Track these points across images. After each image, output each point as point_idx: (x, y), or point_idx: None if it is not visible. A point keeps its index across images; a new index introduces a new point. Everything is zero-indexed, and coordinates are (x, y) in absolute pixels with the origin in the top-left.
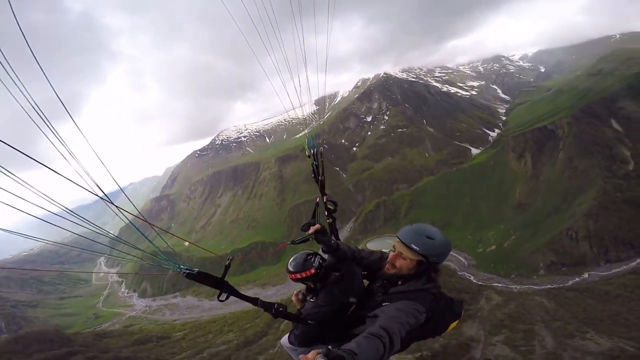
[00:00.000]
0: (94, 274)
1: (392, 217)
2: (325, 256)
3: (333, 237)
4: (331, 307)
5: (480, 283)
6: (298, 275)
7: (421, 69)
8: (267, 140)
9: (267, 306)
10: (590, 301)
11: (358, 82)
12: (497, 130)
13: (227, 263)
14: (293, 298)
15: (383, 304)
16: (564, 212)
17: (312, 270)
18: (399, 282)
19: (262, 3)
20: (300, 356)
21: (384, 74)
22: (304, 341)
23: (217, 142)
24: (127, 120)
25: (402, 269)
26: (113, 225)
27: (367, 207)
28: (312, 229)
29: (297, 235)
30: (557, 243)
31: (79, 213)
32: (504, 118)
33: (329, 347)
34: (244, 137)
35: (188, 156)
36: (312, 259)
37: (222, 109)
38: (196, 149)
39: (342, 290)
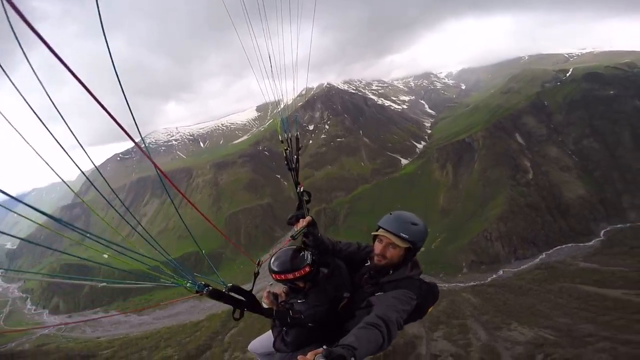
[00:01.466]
0: None
1: (332, 223)
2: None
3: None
4: (327, 306)
5: None
6: (290, 276)
7: (360, 82)
8: (202, 145)
9: (283, 316)
10: (508, 295)
11: (303, 90)
12: (423, 143)
13: (256, 271)
14: (264, 299)
15: (376, 294)
16: (480, 215)
17: (307, 269)
18: (390, 272)
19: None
20: (299, 357)
21: (327, 84)
22: (297, 347)
23: (142, 145)
24: (34, 117)
25: (393, 258)
26: (6, 238)
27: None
28: (305, 221)
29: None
30: (476, 244)
31: None
32: (429, 131)
33: (325, 347)
34: (175, 140)
35: (108, 159)
36: (304, 255)
37: (151, 109)
38: (118, 151)
39: (335, 286)
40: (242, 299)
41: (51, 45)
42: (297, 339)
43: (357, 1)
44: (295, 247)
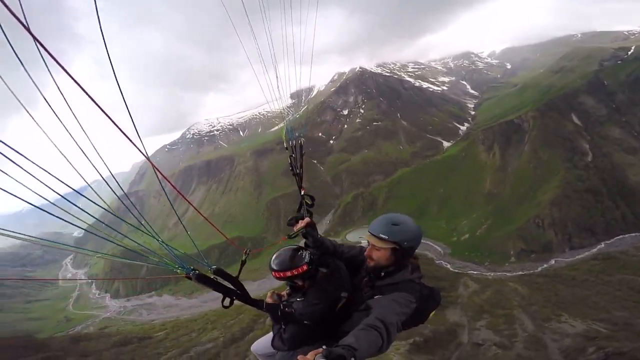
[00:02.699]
0: (60, 276)
1: (370, 208)
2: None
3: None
4: (324, 305)
5: (456, 271)
6: (288, 273)
7: (395, 64)
8: (241, 133)
9: (273, 308)
10: (560, 286)
11: (334, 75)
12: (466, 124)
13: (243, 258)
14: (268, 299)
15: (375, 297)
16: (530, 200)
17: (305, 267)
18: (382, 274)
19: None
20: (299, 357)
21: (360, 68)
22: (294, 345)
23: (188, 136)
24: (91, 112)
25: (380, 260)
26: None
27: (346, 199)
28: (303, 222)
29: (277, 229)
30: (526, 231)
31: (39, 212)
32: (472, 112)
33: (324, 347)
34: (217, 130)
35: (157, 150)
36: (303, 254)
37: (193, 102)
38: (166, 143)
39: (334, 286)
40: (229, 285)
41: (95, 40)
42: (294, 337)
43: None
44: (295, 246)
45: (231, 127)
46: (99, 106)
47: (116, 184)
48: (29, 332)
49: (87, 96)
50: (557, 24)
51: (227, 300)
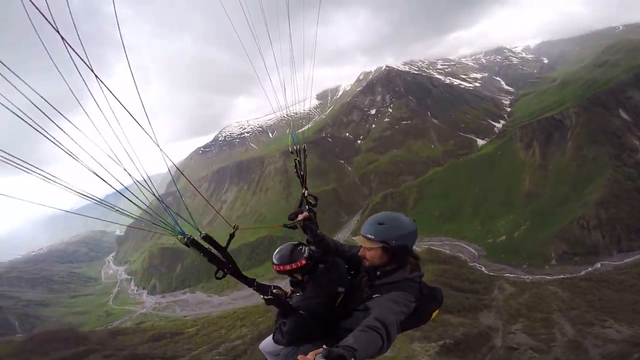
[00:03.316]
0: (103, 272)
1: (400, 208)
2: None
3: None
4: (321, 299)
5: (491, 274)
6: (287, 267)
7: (423, 62)
8: (270, 135)
9: (263, 288)
10: (606, 291)
11: (360, 75)
12: (502, 122)
13: (231, 232)
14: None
15: (373, 296)
16: (574, 201)
17: (303, 261)
18: (378, 273)
19: None
20: (299, 356)
21: (386, 66)
22: (292, 338)
23: (220, 139)
24: (130, 116)
25: (373, 259)
26: (117, 226)
27: (374, 199)
28: (301, 216)
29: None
30: (568, 232)
31: (85, 212)
32: (508, 109)
33: (325, 346)
34: (247, 132)
35: (191, 153)
36: (302, 249)
37: (224, 105)
38: (199, 145)
39: (330, 281)
40: (220, 259)
41: (132, 45)
42: (292, 329)
43: None
44: (295, 242)
45: (261, 129)
46: (134, 118)
47: (151, 185)
48: (72, 326)
49: (123, 107)
50: (596, 16)
51: (221, 273)
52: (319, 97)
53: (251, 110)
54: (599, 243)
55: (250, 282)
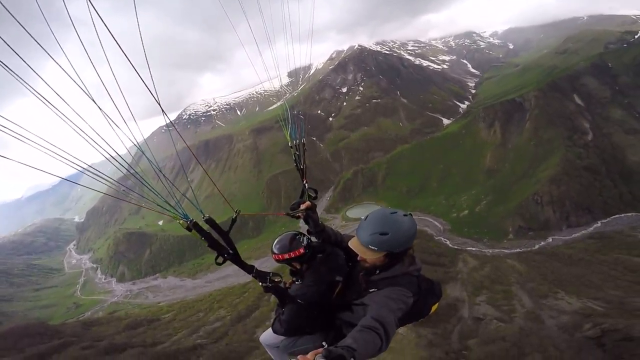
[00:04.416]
0: (65, 262)
1: (370, 184)
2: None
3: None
4: (319, 287)
5: (455, 247)
6: (286, 256)
7: (394, 42)
8: (239, 113)
9: (262, 275)
10: (556, 264)
11: (332, 53)
12: (467, 103)
13: (233, 217)
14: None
15: (370, 291)
16: (530, 177)
17: (301, 250)
18: (377, 271)
19: None
20: (299, 357)
21: (359, 46)
22: (291, 327)
23: (184, 117)
24: (84, 95)
25: (375, 262)
26: (77, 210)
27: (345, 175)
28: (304, 205)
29: (277, 206)
30: (524, 208)
31: (39, 199)
32: (473, 91)
33: (324, 344)
34: (213, 110)
35: (153, 132)
36: (301, 238)
37: (188, 82)
38: (162, 124)
39: (328, 269)
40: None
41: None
42: (291, 318)
43: None
44: (295, 232)
45: (228, 106)
46: (92, 99)
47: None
48: (41, 320)
49: (80, 88)
50: (563, 6)
51: (220, 259)
52: (290, 74)
53: (218, 88)
54: (551, 218)
55: (249, 269)
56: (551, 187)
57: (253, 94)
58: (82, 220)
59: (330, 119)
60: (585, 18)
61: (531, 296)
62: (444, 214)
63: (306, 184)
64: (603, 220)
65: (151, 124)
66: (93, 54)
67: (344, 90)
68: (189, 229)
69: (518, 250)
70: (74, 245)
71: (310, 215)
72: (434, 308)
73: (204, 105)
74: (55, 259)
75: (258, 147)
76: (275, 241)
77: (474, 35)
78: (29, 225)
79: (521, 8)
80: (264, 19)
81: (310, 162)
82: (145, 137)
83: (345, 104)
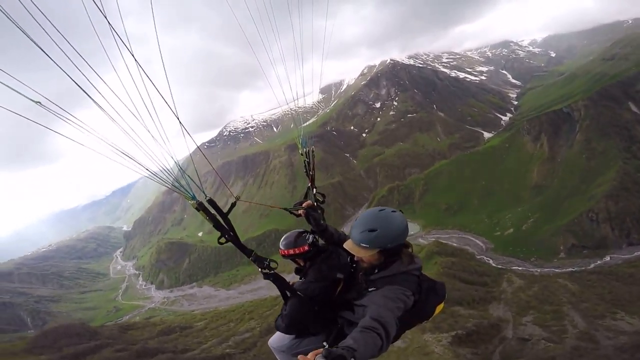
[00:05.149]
0: (111, 267)
1: (406, 201)
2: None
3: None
4: (320, 283)
5: (499, 266)
6: (291, 251)
7: (428, 55)
8: (275, 129)
9: (260, 260)
10: (615, 283)
11: (364, 69)
12: (509, 114)
13: (234, 201)
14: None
15: (369, 290)
16: (583, 193)
17: (306, 247)
18: (376, 270)
19: None
20: (300, 357)
21: (391, 60)
22: (292, 322)
23: (224, 134)
24: (134, 111)
25: (371, 261)
26: (126, 219)
27: (380, 192)
28: (305, 204)
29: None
30: (577, 225)
31: (93, 208)
32: (515, 102)
33: (325, 344)
34: (252, 127)
35: (196, 148)
36: (306, 236)
37: (229, 99)
38: (204, 140)
39: (330, 267)
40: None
41: (138, 37)
42: (291, 312)
43: None
44: (301, 230)
45: (265, 123)
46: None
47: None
48: (82, 321)
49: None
50: (604, 10)
51: (223, 239)
52: (322, 91)
53: (256, 105)
54: (609, 236)
55: (248, 252)
56: (608, 203)
57: (288, 111)
58: (130, 229)
59: (364, 134)
60: (630, 21)
61: (585, 316)
62: (486, 232)
63: (312, 189)
64: None
65: (196, 139)
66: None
67: (377, 105)
68: (197, 209)
69: (570, 269)
70: (121, 252)
71: (310, 214)
72: (438, 309)
73: (243, 122)
74: (103, 264)
75: (293, 164)
76: (283, 238)
77: (511, 44)
78: (82, 231)
79: (559, 13)
80: (294, 36)
81: (343, 177)
82: (190, 152)
83: (379, 119)
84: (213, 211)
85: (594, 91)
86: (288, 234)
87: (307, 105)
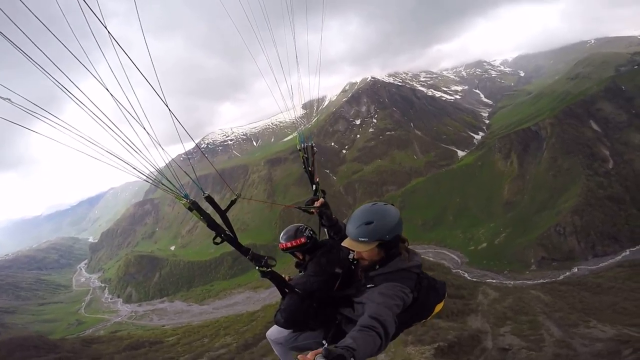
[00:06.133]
0: (74, 279)
1: None
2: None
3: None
4: (319, 277)
5: (475, 279)
6: (289, 244)
7: (407, 74)
8: (255, 143)
9: (258, 258)
10: (585, 293)
11: (346, 86)
12: (481, 133)
13: (234, 198)
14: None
15: (368, 286)
16: (550, 208)
17: (303, 240)
18: (377, 267)
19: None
20: (300, 356)
21: (372, 78)
22: (290, 317)
23: (202, 146)
24: (108, 119)
25: (372, 257)
26: (92, 231)
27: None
28: (318, 202)
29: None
30: (546, 239)
31: (56, 218)
32: (487, 121)
33: (325, 343)
34: (231, 140)
35: (172, 160)
36: (304, 229)
37: (208, 111)
38: (180, 152)
39: (328, 261)
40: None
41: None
42: (290, 307)
43: None
44: (300, 224)
45: (244, 137)
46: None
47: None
48: (40, 334)
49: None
50: (570, 30)
51: (218, 239)
52: (304, 106)
53: (234, 118)
54: (575, 248)
55: (244, 251)
56: (574, 218)
57: (269, 125)
58: (96, 240)
59: (344, 151)
60: (593, 41)
61: (560, 325)
62: (461, 246)
63: (318, 185)
64: (632, 249)
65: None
66: (117, 78)
67: (358, 122)
68: (190, 208)
69: (542, 280)
70: (85, 264)
71: (324, 212)
72: (437, 308)
73: (222, 135)
74: (65, 276)
75: (272, 178)
76: (282, 232)
77: (484, 64)
78: (43, 242)
79: (529, 34)
80: (277, 50)
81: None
82: (163, 165)
83: (358, 136)
84: (211, 209)
85: (559, 110)
86: (287, 228)
87: (289, 119)
